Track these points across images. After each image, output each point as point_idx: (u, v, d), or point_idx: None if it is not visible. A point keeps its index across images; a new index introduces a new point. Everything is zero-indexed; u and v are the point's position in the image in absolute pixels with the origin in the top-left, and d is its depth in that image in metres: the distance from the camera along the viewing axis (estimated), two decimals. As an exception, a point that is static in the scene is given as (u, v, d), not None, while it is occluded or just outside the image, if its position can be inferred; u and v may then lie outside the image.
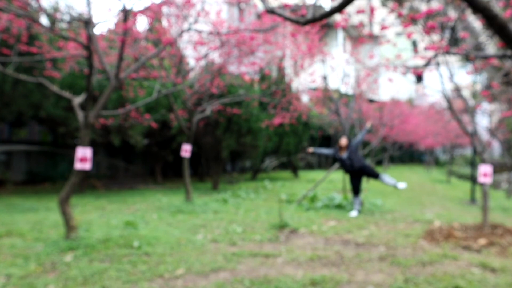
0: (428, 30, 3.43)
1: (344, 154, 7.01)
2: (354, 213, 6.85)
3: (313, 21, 2.44)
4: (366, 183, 12.53)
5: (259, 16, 10.37)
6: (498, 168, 16.78)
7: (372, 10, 3.76)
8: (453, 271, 3.76)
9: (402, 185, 6.61)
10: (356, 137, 7.04)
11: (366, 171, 6.97)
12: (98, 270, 3.63)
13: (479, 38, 7.26)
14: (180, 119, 7.95)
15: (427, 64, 4.55)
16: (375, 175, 6.89)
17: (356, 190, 7.04)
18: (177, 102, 9.67)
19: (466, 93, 8.20)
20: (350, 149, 6.99)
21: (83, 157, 4.62)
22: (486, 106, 11.89)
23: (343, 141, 7.13)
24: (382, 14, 7.03)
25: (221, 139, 10.68)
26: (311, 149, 7.59)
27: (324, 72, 8.47)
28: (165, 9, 6.40)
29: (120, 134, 9.67)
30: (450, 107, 5.95)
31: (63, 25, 6.95)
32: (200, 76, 7.86)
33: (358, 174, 7.00)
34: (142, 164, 14.09)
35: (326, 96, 9.40)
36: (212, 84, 7.86)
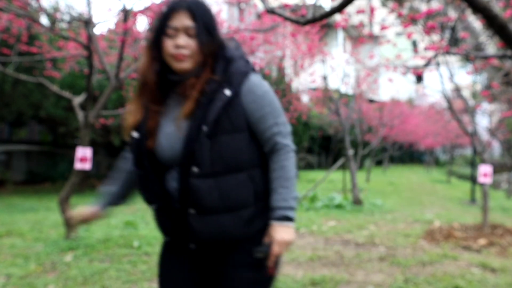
0: (428, 30, 3.43)
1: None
2: None
3: (313, 21, 2.44)
4: (366, 183, 12.52)
5: (259, 16, 10.36)
6: (498, 168, 16.75)
7: (372, 10, 3.77)
8: (453, 271, 3.76)
9: None
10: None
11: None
12: (98, 270, 3.63)
13: (479, 38, 7.26)
14: (180, 119, 7.93)
15: (427, 64, 4.54)
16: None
17: None
18: (177, 102, 9.65)
19: (466, 93, 8.20)
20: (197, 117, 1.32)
21: (83, 157, 4.62)
22: (486, 106, 11.88)
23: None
24: (382, 14, 7.03)
25: (221, 139, 10.66)
26: None
27: (324, 72, 8.46)
28: (165, 9, 6.39)
29: (120, 134, 9.67)
30: (450, 107, 5.95)
31: (63, 25, 6.95)
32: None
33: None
34: (142, 164, 14.06)
35: (326, 96, 9.39)
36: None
